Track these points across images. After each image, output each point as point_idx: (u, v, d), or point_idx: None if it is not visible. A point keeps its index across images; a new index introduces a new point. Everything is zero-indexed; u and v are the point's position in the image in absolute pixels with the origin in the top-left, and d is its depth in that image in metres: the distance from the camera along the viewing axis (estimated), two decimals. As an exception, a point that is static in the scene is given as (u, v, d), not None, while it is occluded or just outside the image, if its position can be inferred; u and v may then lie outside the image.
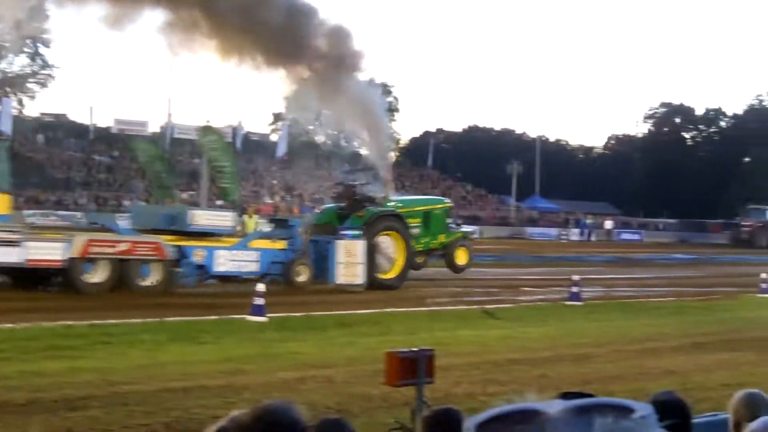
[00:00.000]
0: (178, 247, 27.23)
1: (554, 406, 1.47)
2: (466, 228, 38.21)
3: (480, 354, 17.71)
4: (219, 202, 38.45)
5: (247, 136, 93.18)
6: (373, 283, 30.03)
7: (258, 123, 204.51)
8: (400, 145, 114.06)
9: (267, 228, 32.50)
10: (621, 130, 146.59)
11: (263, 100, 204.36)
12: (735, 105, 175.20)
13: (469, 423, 1.46)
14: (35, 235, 25.39)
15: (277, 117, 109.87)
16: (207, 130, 37.49)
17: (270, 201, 76.76)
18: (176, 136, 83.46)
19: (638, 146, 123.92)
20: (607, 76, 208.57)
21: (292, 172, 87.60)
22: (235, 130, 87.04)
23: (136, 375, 14.17)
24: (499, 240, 71.98)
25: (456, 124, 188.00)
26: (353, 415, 11.78)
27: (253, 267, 28.83)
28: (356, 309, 23.67)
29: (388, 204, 33.16)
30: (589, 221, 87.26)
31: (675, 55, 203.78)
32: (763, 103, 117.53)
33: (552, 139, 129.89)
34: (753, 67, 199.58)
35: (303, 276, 29.31)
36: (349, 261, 29.65)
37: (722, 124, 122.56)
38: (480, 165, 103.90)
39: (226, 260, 28.33)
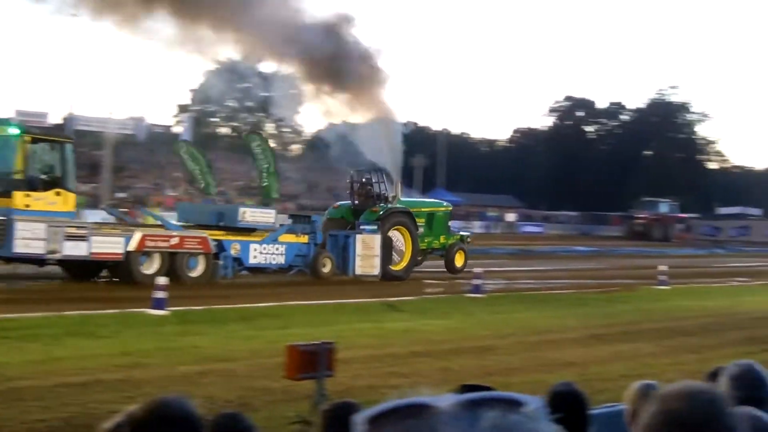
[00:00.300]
0: (218, 241, 29.58)
1: (445, 401, 1.45)
2: (464, 232, 40.86)
3: (382, 347, 17.71)
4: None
5: (150, 128, 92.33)
6: (386, 275, 32.63)
7: (162, 114, 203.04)
8: (303, 138, 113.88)
9: (287, 223, 34.26)
10: (525, 124, 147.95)
11: (168, 91, 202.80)
12: (636, 99, 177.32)
13: (359, 418, 1.43)
14: (99, 231, 27.57)
15: (182, 108, 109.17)
16: (253, 133, 40.56)
17: (173, 193, 76.11)
18: (79, 128, 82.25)
19: (542, 139, 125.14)
20: (512, 70, 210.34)
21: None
22: (137, 122, 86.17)
23: (32, 370, 13.91)
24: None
25: (359, 117, 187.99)
26: (254, 409, 11.71)
27: (281, 260, 31.37)
28: (258, 302, 23.50)
29: (399, 203, 35.69)
30: (492, 214, 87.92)
31: (579, 50, 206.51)
32: (664, 98, 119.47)
33: (456, 132, 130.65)
34: (654, 62, 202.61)
35: (327, 267, 31.94)
36: (366, 254, 32.51)
37: (624, 117, 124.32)
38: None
39: (258, 253, 30.72)
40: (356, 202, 35.60)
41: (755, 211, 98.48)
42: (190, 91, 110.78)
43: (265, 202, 35.19)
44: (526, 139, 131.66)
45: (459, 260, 36.49)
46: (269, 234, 31.60)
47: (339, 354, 11.11)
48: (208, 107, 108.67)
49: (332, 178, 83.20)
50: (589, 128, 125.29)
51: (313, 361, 10.25)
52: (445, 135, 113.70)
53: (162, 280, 21.33)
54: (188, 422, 2.99)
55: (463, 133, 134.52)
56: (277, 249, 31.33)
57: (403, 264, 34.29)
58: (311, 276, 31.39)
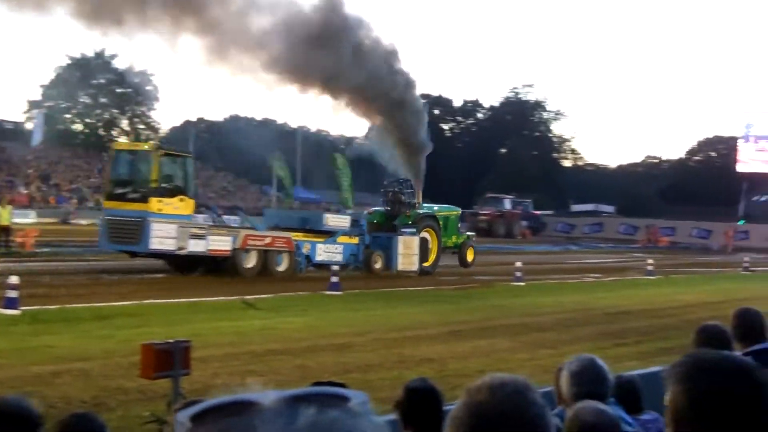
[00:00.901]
0: (294, 241, 34.26)
1: (269, 397, 1.40)
2: (469, 232, 46.39)
3: (239, 345, 17.58)
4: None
5: (0, 124, 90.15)
6: (420, 271, 37.52)
7: (12, 110, 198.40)
8: (160, 135, 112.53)
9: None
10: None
11: (18, 86, 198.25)
12: (492, 98, 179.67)
13: (182, 416, 1.37)
14: (213, 231, 32.51)
15: (33, 104, 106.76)
16: (337, 153, 47.49)
17: (25, 191, 74.47)
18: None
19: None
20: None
21: (47, 160, 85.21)
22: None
23: None
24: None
25: (217, 114, 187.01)
26: (109, 409, 11.51)
27: (339, 257, 35.49)
28: (114, 301, 23.09)
29: (423, 208, 41.90)
30: (349, 211, 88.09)
31: (434, 48, 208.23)
32: (519, 96, 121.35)
33: (313, 129, 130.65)
34: (510, 61, 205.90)
35: (378, 264, 37.12)
36: (406, 252, 37.60)
37: (479, 116, 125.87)
38: (241, 155, 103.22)
39: (323, 252, 35.54)
40: (388, 208, 40.88)
41: (608, 208, 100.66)
42: (40, 86, 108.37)
43: (342, 209, 42.16)
44: (382, 136, 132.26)
45: (470, 255, 42.68)
46: (330, 236, 36.15)
47: (196, 352, 10.98)
48: (60, 103, 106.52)
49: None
50: (445, 126, 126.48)
51: (168, 359, 10.08)
52: (303, 132, 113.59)
53: (14, 279, 20.77)
54: (28, 421, 2.91)
55: (320, 130, 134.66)
56: (336, 248, 36.08)
57: (431, 260, 39.31)
58: (365, 271, 35.99)
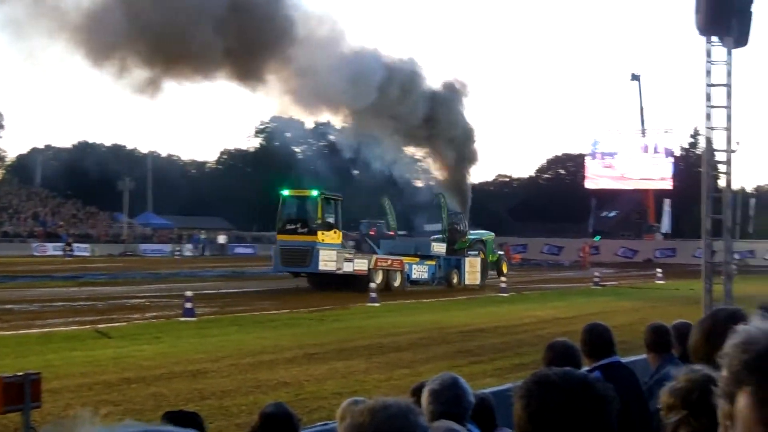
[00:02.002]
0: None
1: None
2: (499, 252, 56.02)
3: (93, 375, 17.24)
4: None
5: None
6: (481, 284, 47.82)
7: None
8: (7, 163, 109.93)
9: None
10: (232, 145, 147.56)
11: None
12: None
13: None
14: (355, 255, 42.40)
15: None
16: (440, 194, 53.46)
17: None
18: None
19: (250, 160, 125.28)
20: (218, 92, 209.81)
21: None
22: None
23: None
24: (111, 258, 70.74)
25: (65, 140, 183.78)
26: (-44, 448, 11.13)
27: (426, 275, 46.18)
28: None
29: (471, 234, 51.71)
30: (202, 236, 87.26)
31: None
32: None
33: (164, 154, 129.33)
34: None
35: (455, 279, 46.94)
36: (471, 270, 48.10)
37: (331, 137, 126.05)
38: (90, 182, 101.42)
39: (416, 271, 45.46)
40: (448, 236, 49.56)
41: (434, 227, 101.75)
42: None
43: (444, 240, 48.80)
44: (233, 159, 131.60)
45: (504, 268, 52.76)
46: (420, 259, 46.19)
47: (48, 384, 10.75)
48: None
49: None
50: (297, 148, 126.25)
51: (18, 392, 9.81)
52: (153, 157, 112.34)
53: None
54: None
55: (171, 155, 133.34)
56: (423, 269, 46.06)
57: (482, 276, 49.03)
58: (446, 286, 45.80)
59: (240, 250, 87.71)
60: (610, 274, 58.84)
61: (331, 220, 42.12)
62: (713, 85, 17.91)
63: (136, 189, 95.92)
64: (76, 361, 18.82)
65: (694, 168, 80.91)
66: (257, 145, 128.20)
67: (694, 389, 2.74)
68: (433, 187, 62.17)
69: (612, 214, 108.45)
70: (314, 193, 43.29)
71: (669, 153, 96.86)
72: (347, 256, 41.57)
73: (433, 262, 46.49)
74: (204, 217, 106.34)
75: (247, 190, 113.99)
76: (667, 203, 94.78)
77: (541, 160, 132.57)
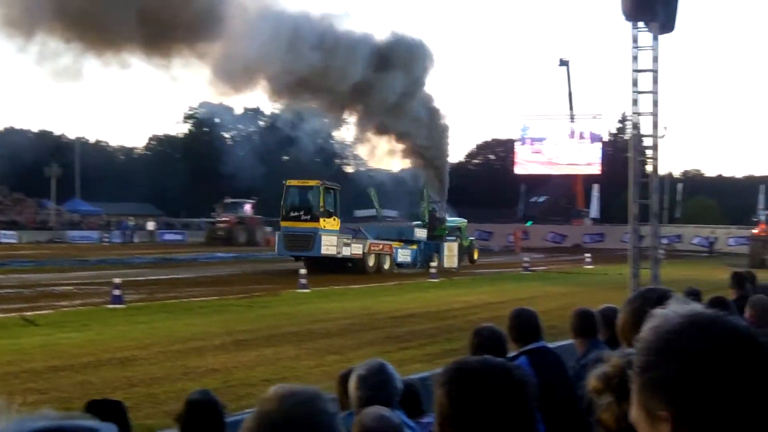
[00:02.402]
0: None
1: (10, 429, 1.34)
2: (471, 237, 59.08)
3: (19, 363, 17.05)
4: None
5: None
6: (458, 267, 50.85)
7: None
8: None
9: None
10: (162, 131, 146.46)
11: None
12: (272, 105, 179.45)
13: None
14: (352, 240, 45.66)
15: None
16: (372, 189, 57.31)
17: None
18: None
19: (179, 146, 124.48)
20: (147, 77, 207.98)
21: None
22: None
23: None
24: (39, 245, 69.86)
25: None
26: None
27: (409, 259, 49.46)
28: None
29: (449, 221, 55.00)
30: (131, 223, 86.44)
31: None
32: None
33: (92, 140, 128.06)
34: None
35: (435, 262, 47.71)
36: (449, 254, 51.24)
37: (261, 123, 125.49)
38: (17, 168, 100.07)
39: (401, 255, 48.86)
40: (428, 222, 52.85)
41: (391, 213, 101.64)
42: None
43: (425, 226, 52.31)
44: (162, 146, 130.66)
45: (476, 254, 55.93)
46: (404, 243, 49.68)
47: (-30, 374, 10.57)
48: None
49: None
50: (226, 134, 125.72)
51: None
52: (81, 143, 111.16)
53: None
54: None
55: (99, 141, 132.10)
56: (407, 252, 49.63)
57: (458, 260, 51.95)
58: (427, 269, 45.48)
59: (169, 236, 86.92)
60: (539, 259, 59.30)
61: (330, 208, 45.96)
62: (640, 71, 18.10)
63: (63, 175, 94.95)
64: (2, 350, 18.60)
65: (622, 153, 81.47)
66: (186, 131, 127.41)
67: (619, 373, 2.76)
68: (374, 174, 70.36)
69: (541, 199, 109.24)
70: (316, 183, 46.51)
71: (597, 138, 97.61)
72: (346, 241, 45.33)
73: (415, 247, 50.23)
74: (133, 204, 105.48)
75: (176, 176, 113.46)
76: (595, 188, 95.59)
77: (471, 146, 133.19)
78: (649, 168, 19.04)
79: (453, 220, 56.24)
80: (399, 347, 20.02)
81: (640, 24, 18.05)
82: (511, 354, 6.81)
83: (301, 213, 45.52)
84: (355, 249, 45.49)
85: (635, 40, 18.05)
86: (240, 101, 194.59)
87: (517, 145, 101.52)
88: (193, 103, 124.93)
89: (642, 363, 1.88)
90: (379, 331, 23.12)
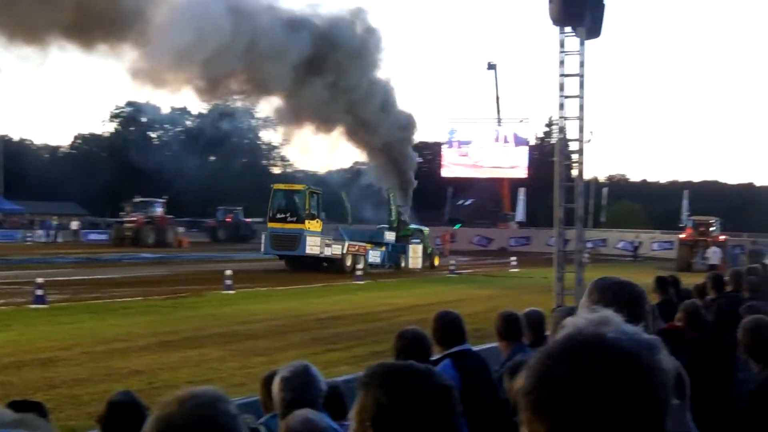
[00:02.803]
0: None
1: None
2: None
3: (-63, 364, 16.77)
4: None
5: None
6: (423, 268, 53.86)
7: None
8: None
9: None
10: (87, 129, 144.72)
11: None
12: (200, 105, 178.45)
13: None
14: (333, 241, 48.60)
15: None
16: (392, 188, 59.28)
17: None
18: None
19: (105, 145, 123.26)
20: (72, 74, 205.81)
21: None
22: None
23: None
24: (-40, 243, 68.77)
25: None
26: None
27: (379, 259, 51.85)
28: None
29: (412, 225, 58.24)
30: (54, 222, 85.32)
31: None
32: (228, 104, 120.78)
33: (16, 138, 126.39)
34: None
35: (402, 263, 53.01)
36: (414, 256, 54.21)
37: (188, 123, 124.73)
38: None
39: (372, 256, 51.11)
40: (394, 225, 56.07)
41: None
42: None
43: (393, 229, 55.34)
44: (88, 144, 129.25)
45: (437, 260, 57.51)
46: (374, 246, 52.01)
47: None
48: None
49: None
50: (153, 134, 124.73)
51: None
52: (5, 141, 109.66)
53: None
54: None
55: (23, 139, 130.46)
56: (377, 254, 52.03)
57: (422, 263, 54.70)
58: (395, 269, 51.57)
59: (94, 236, 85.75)
60: (465, 262, 59.58)
61: (314, 211, 48.98)
62: (566, 75, 18.25)
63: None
64: None
65: (548, 157, 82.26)
66: (112, 130, 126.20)
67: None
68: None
69: (468, 202, 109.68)
70: (302, 187, 50.73)
71: (524, 142, 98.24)
72: (327, 242, 48.24)
73: (383, 248, 52.89)
74: (57, 203, 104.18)
75: (102, 175, 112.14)
76: (521, 192, 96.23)
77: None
78: (574, 172, 19.22)
79: (415, 225, 59.12)
80: (325, 349, 20.01)
81: (568, 29, 18.21)
82: (435, 357, 6.82)
83: (287, 215, 48.58)
84: (335, 250, 48.44)
85: (562, 45, 18.21)
86: (167, 100, 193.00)
87: (444, 148, 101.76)
88: (120, 101, 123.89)
89: (526, 385, 1.89)
90: (305, 332, 23.08)
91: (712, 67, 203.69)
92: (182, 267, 48.56)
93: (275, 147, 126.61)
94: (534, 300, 20.88)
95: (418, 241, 55.77)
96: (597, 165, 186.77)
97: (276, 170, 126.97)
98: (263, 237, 50.15)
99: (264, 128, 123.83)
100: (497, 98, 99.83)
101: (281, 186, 52.02)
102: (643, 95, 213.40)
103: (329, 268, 46.93)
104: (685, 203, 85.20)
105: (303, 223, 47.63)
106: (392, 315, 27.01)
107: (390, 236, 54.13)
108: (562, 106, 18.36)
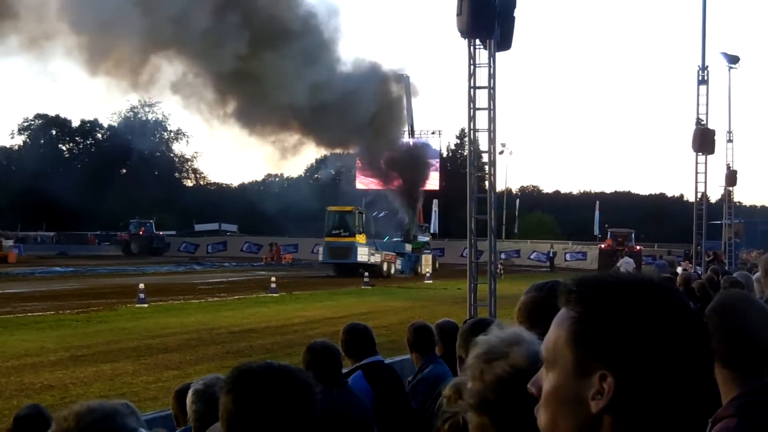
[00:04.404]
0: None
1: None
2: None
3: None
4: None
5: None
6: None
7: None
8: None
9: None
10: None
11: None
12: (111, 117, 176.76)
13: None
14: (374, 251, 59.35)
15: None
16: (363, 209, 67.36)
17: None
18: None
19: (14, 158, 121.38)
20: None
21: None
22: None
23: None
24: None
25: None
26: None
27: (401, 267, 62.38)
28: None
29: (420, 239, 69.19)
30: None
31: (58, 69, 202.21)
32: (139, 116, 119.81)
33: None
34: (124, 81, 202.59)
35: (419, 269, 62.71)
36: (426, 264, 63.53)
37: (99, 136, 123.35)
38: None
39: (397, 264, 61.94)
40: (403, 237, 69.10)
41: (231, 227, 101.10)
42: None
43: (409, 242, 67.26)
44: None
45: (437, 264, 67.87)
46: (398, 254, 63.36)
47: None
48: None
49: None
50: (63, 147, 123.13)
51: None
52: None
53: None
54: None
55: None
56: (400, 262, 62.90)
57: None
58: (413, 275, 61.41)
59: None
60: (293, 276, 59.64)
61: (361, 227, 60.42)
62: (477, 88, 18.37)
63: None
64: None
65: (461, 169, 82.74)
66: (20, 142, 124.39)
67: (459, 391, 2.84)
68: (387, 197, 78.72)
69: (381, 214, 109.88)
70: (352, 208, 62.08)
71: (436, 154, 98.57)
72: (372, 251, 59.02)
73: (404, 258, 64.01)
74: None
75: (11, 188, 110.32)
76: (434, 204, 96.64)
77: (311, 160, 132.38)
78: (486, 184, 19.39)
79: (422, 238, 70.45)
80: (238, 362, 19.81)
81: (477, 41, 18.32)
82: (347, 369, 6.88)
83: (341, 230, 59.36)
84: (376, 258, 58.97)
85: (471, 57, 18.31)
86: (77, 113, 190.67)
87: (358, 162, 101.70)
88: (29, 113, 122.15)
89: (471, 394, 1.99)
90: (218, 346, 23.01)
91: (625, 80, 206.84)
92: (95, 281, 47.99)
93: (188, 159, 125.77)
94: (449, 311, 21.09)
95: (428, 251, 67.63)
96: (510, 176, 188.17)
97: (189, 183, 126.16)
98: (321, 249, 60.79)
99: (176, 140, 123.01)
100: (410, 110, 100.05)
101: (334, 208, 62.76)
102: (556, 106, 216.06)
103: (369, 274, 52.65)
104: (597, 214, 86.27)
105: (354, 236, 58.70)
106: (304, 327, 26.99)
107: (408, 248, 65.74)
108: (472, 119, 18.48)
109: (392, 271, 60.21)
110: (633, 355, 1.69)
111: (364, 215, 62.48)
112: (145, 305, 32.66)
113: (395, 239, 68.66)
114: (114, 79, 59.00)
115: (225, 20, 53.50)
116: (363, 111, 65.81)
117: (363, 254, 57.84)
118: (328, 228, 60.17)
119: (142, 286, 33.80)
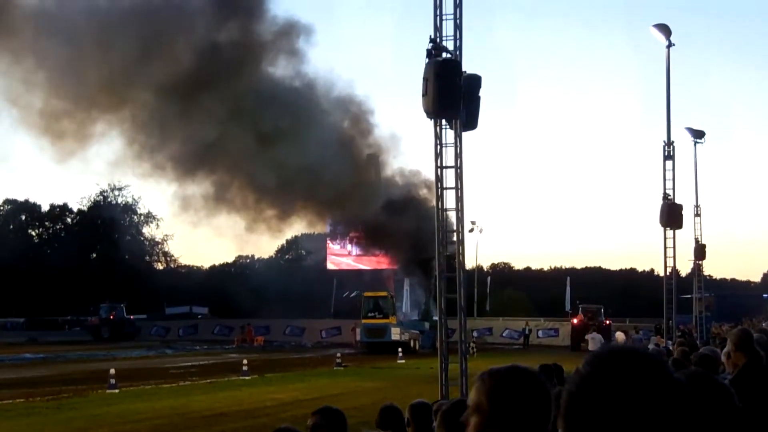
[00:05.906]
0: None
1: None
2: None
3: None
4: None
5: None
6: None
7: None
8: None
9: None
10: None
11: None
12: (81, 201, 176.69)
13: None
14: (405, 330, 67.32)
15: None
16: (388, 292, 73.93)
17: None
18: None
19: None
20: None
21: None
22: None
23: None
24: None
25: None
26: None
27: (422, 343, 66.30)
28: None
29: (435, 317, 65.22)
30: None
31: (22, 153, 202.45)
32: (108, 200, 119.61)
33: None
34: (98, 165, 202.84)
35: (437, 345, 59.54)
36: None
37: (69, 220, 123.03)
38: None
39: (422, 340, 67.19)
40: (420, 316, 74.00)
41: (202, 310, 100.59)
42: None
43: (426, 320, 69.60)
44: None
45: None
46: (420, 332, 68.16)
47: None
48: None
49: None
50: (33, 232, 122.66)
51: None
52: None
53: None
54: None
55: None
56: (421, 338, 67.09)
57: None
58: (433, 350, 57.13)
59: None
60: (352, 354, 59.53)
61: (392, 310, 67.76)
62: (444, 167, 18.52)
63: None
64: None
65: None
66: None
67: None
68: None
69: (353, 294, 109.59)
70: (385, 294, 70.84)
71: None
72: (402, 331, 65.87)
73: (423, 334, 67.82)
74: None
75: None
76: (406, 283, 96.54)
77: (281, 241, 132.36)
78: (456, 263, 19.45)
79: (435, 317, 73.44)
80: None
81: (443, 121, 18.48)
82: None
83: (376, 313, 66.45)
84: (405, 336, 65.43)
85: (438, 137, 18.47)
86: (47, 197, 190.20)
87: (328, 241, 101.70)
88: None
89: None
90: (190, 431, 22.84)
91: (592, 156, 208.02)
92: (66, 367, 47.56)
93: (158, 242, 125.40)
94: (421, 391, 21.03)
95: None
96: (481, 254, 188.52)
97: (159, 266, 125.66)
98: (359, 330, 67.00)
99: (146, 224, 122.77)
100: (380, 188, 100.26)
101: (370, 293, 71.09)
102: (524, 183, 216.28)
103: (401, 350, 57.65)
104: (568, 290, 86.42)
105: (388, 318, 66.07)
106: (277, 410, 26.88)
107: (426, 326, 68.24)
108: (440, 198, 18.61)
109: (417, 347, 65.38)
110: None
111: (392, 298, 70.10)
112: (116, 390, 32.41)
113: (413, 318, 73.41)
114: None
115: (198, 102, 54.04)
116: (336, 183, 67.42)
117: (396, 333, 64.59)
118: (364, 311, 67.23)
119: (113, 371, 33.55)
